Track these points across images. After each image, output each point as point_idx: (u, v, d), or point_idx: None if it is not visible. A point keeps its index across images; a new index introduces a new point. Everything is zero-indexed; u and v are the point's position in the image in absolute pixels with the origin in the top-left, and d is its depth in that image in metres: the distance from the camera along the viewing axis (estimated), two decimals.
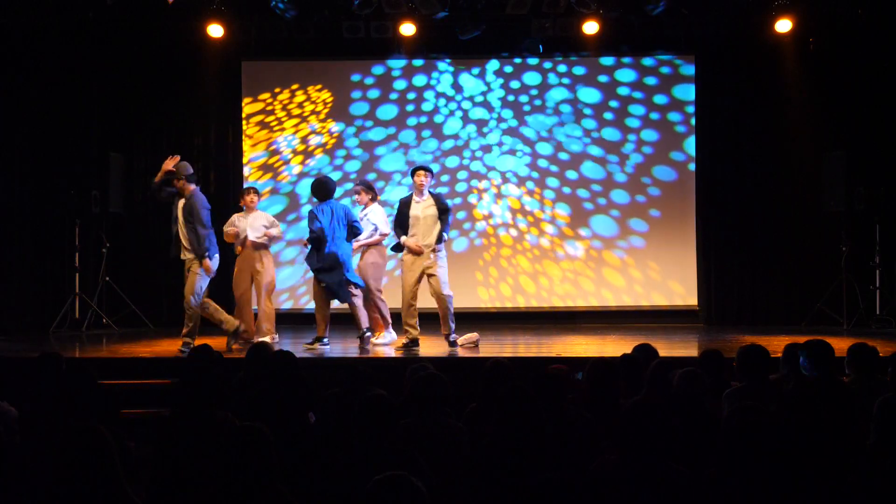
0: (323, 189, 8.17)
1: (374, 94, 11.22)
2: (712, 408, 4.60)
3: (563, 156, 11.12)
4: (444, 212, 8.07)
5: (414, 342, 8.13)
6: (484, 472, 3.66)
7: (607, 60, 11.10)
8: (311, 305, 8.60)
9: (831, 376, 4.99)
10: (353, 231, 8.12)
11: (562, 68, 11.15)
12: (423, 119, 11.20)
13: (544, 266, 11.08)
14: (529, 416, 3.78)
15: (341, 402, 4.72)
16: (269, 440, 3.21)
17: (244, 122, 11.19)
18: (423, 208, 8.08)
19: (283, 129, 11.21)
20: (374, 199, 8.83)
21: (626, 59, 11.09)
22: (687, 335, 9.77)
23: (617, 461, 3.48)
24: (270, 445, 3.21)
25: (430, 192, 8.19)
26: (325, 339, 8.12)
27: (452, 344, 8.12)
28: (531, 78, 11.16)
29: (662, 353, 7.03)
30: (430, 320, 10.73)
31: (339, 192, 8.77)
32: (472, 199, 11.15)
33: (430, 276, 8.11)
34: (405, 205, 8.17)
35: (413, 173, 8.21)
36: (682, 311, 11.05)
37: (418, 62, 11.19)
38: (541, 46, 10.84)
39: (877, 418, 3.75)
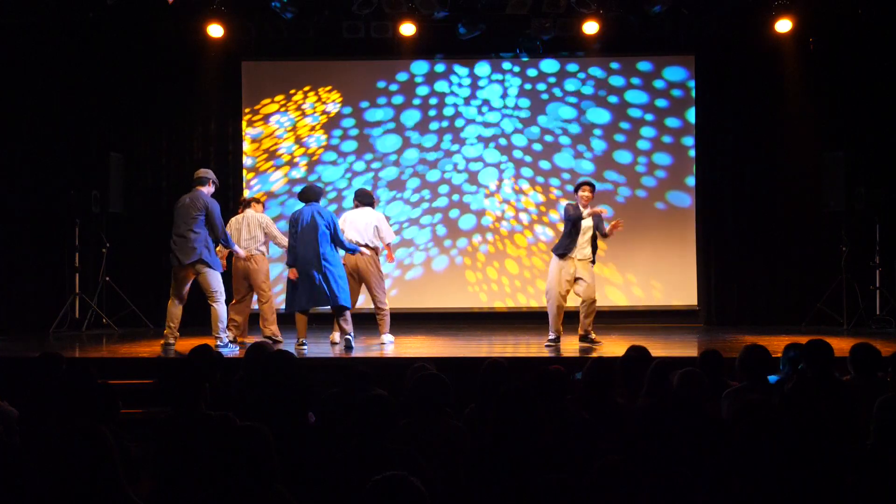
0: (305, 193, 8.33)
1: (373, 94, 11.21)
2: (711, 408, 4.60)
3: (564, 155, 11.12)
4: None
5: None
6: (484, 472, 3.66)
7: (606, 60, 11.10)
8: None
9: (831, 376, 5.00)
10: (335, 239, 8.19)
11: (561, 68, 11.15)
12: (422, 119, 11.20)
13: (545, 266, 11.08)
14: (527, 417, 3.78)
15: (341, 402, 4.73)
16: (269, 440, 3.21)
17: (244, 122, 11.19)
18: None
19: (282, 130, 11.21)
20: (355, 206, 8.79)
21: (625, 59, 11.09)
22: (687, 335, 9.77)
23: (620, 461, 3.48)
24: (270, 445, 3.21)
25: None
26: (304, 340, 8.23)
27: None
28: (531, 78, 11.16)
29: (662, 353, 7.03)
30: (432, 320, 10.79)
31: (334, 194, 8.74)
32: (472, 198, 11.15)
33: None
34: None
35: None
36: (682, 311, 11.05)
37: (417, 62, 11.19)
38: (540, 47, 10.85)
39: (877, 418, 3.75)
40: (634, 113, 11.08)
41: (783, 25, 10.08)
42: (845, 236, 10.26)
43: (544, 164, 11.13)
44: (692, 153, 11.03)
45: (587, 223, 8.46)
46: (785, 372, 5.38)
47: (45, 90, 10.24)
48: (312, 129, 11.21)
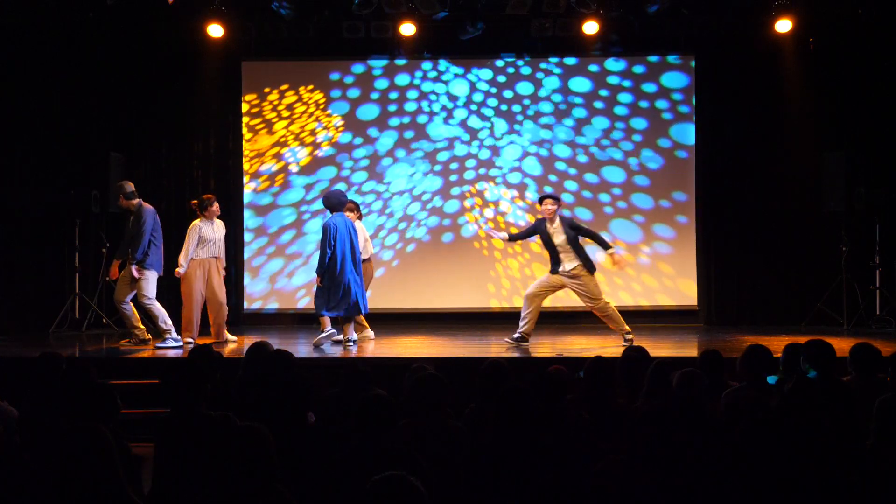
0: (332, 203, 8.52)
1: (373, 94, 11.20)
2: (711, 408, 4.60)
3: (564, 156, 11.11)
4: None
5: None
6: (484, 472, 3.66)
7: (607, 60, 11.09)
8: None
9: (832, 376, 4.99)
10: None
11: (562, 68, 11.14)
12: (422, 119, 11.18)
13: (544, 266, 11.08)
14: (527, 417, 3.78)
15: (341, 402, 4.73)
16: (269, 440, 3.21)
17: (244, 123, 11.18)
18: None
19: (283, 130, 11.20)
20: (360, 218, 9.19)
21: (625, 59, 11.07)
22: (687, 335, 9.77)
23: (620, 461, 3.48)
24: (270, 445, 3.21)
25: None
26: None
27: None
28: (531, 78, 11.15)
29: (662, 353, 7.03)
30: (432, 320, 10.79)
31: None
32: (473, 200, 11.14)
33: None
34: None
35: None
36: (682, 311, 11.04)
37: (417, 62, 11.18)
38: (540, 47, 10.76)
39: (877, 418, 3.75)
40: (633, 111, 11.04)
41: (783, 25, 10.08)
42: (845, 236, 10.26)
43: (545, 166, 11.10)
44: (692, 153, 11.01)
45: (557, 238, 8.46)
46: (785, 372, 5.38)
47: (45, 90, 10.23)
48: (313, 129, 11.20)
